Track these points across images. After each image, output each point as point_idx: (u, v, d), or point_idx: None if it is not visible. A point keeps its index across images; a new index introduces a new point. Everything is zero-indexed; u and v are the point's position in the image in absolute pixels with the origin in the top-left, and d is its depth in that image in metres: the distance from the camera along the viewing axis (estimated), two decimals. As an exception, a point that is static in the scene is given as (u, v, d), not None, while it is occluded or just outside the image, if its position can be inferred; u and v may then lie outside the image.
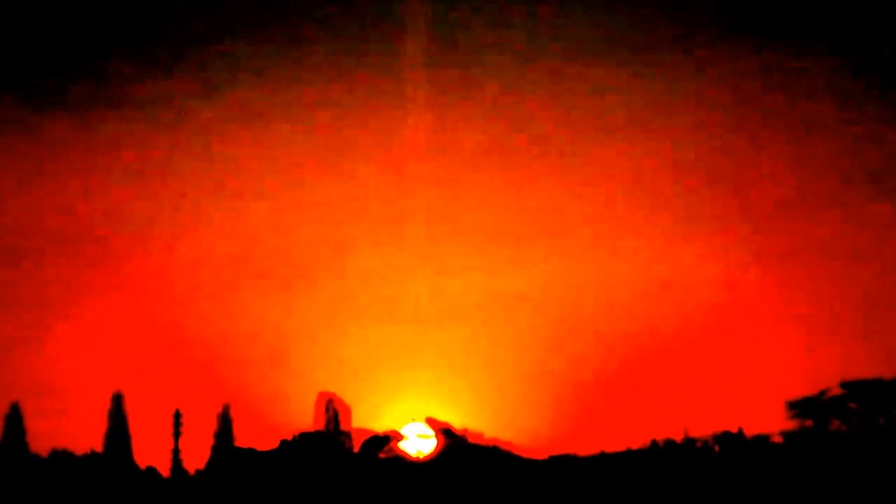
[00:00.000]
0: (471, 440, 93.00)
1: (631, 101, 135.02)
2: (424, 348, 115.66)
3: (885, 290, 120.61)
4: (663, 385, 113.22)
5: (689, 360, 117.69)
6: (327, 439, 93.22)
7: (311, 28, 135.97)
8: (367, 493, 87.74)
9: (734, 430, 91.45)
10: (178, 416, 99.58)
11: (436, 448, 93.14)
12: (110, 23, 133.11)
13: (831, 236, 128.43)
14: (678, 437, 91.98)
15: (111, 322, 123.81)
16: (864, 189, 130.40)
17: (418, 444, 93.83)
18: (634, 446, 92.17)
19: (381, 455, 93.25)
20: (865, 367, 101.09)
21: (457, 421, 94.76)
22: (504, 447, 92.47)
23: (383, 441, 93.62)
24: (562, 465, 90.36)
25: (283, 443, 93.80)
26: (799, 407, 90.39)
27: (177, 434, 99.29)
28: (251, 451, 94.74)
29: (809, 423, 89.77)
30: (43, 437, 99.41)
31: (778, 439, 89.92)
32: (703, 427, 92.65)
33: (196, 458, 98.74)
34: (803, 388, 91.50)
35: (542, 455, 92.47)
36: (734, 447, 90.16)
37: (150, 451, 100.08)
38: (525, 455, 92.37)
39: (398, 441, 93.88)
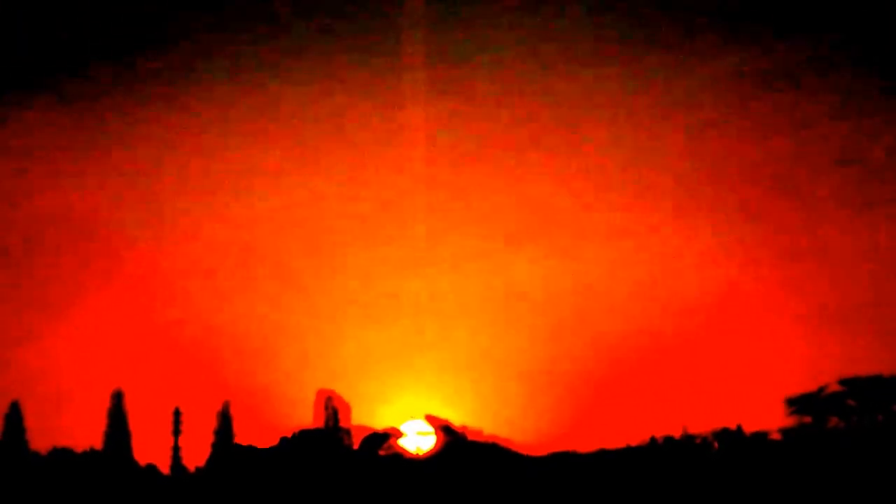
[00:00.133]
0: (470, 437, 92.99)
1: (630, 99, 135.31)
2: (423, 346, 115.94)
3: (885, 287, 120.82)
4: (662, 382, 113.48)
5: (688, 357, 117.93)
6: (327, 436, 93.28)
7: (311, 27, 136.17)
8: (367, 489, 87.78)
9: (733, 426, 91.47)
10: (177, 413, 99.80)
11: (435, 445, 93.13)
12: (109, 22, 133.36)
13: (830, 233, 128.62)
14: (677, 434, 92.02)
15: (111, 320, 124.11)
16: (863, 187, 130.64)
17: (418, 441, 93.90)
18: (634, 443, 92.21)
19: (381, 452, 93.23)
20: (864, 364, 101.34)
21: (456, 418, 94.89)
22: (503, 444, 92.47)
23: (383, 438, 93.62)
24: (561, 462, 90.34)
25: (283, 440, 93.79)
26: (798, 404, 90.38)
27: (177, 431, 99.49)
28: (251, 448, 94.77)
29: (808, 419, 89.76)
30: (43, 434, 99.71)
31: (777, 436, 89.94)
32: (703, 424, 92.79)
33: (196, 455, 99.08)
34: (802, 385, 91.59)
35: (541, 452, 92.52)
36: (733, 444, 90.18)
37: (150, 449, 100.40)
38: (524, 452, 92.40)
39: (397, 438, 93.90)
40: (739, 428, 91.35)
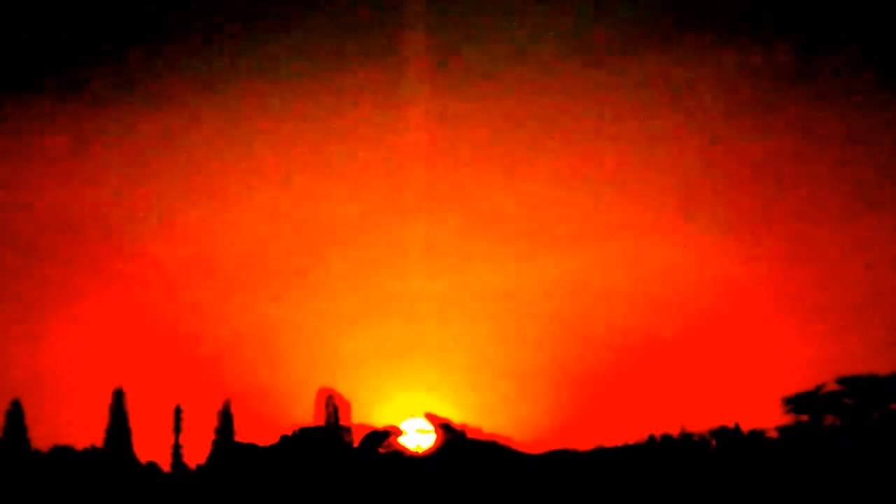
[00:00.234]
0: (470, 435, 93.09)
1: (630, 98, 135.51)
2: (423, 345, 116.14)
3: (882, 286, 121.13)
4: (661, 380, 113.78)
5: (686, 355, 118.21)
6: (327, 434, 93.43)
7: (312, 26, 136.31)
8: (367, 487, 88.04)
9: (731, 425, 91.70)
10: (178, 411, 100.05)
11: (435, 443, 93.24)
12: (109, 22, 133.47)
13: (828, 232, 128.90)
14: (675, 432, 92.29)
15: (112, 318, 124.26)
16: (863, 185, 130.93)
17: (418, 438, 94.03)
18: (632, 441, 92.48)
19: (381, 450, 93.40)
20: (861, 363, 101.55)
21: (456, 416, 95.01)
22: (503, 442, 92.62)
23: (383, 436, 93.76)
24: (560, 460, 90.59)
25: (284, 438, 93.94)
26: (795, 402, 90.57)
27: (177, 429, 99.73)
28: (252, 446, 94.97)
29: (805, 418, 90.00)
30: (44, 432, 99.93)
31: (774, 434, 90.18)
32: (700, 422, 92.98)
33: (197, 453, 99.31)
34: (799, 384, 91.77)
35: (540, 449, 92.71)
36: (731, 442, 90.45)
37: (151, 447, 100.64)
38: (524, 450, 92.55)
39: (398, 436, 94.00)
40: (737, 426, 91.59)
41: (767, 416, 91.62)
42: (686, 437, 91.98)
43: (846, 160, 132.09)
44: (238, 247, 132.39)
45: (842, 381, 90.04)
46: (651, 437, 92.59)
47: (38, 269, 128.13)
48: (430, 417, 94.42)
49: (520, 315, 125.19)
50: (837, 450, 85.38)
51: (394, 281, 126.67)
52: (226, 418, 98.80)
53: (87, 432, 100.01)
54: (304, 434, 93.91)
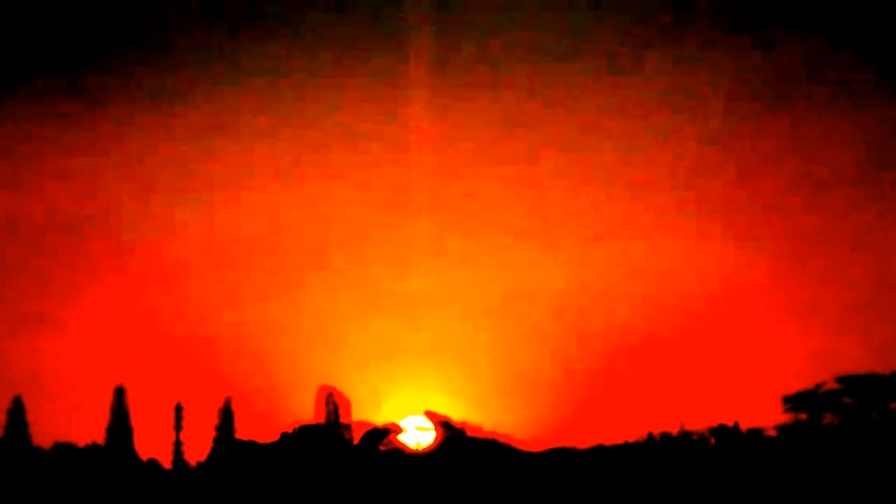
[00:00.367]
0: (469, 433, 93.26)
1: (630, 98, 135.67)
2: (423, 343, 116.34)
3: (882, 284, 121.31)
4: (660, 379, 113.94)
5: (685, 354, 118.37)
6: (328, 432, 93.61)
7: (313, 25, 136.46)
8: (367, 484, 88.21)
9: (730, 423, 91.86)
10: (179, 409, 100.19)
11: (435, 440, 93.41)
12: (109, 22, 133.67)
13: (828, 231, 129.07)
14: (674, 431, 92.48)
15: (113, 316, 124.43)
16: (862, 184, 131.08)
17: (417, 436, 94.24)
18: (631, 439, 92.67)
19: (381, 447, 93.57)
20: (860, 362, 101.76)
21: (456, 414, 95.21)
22: (503, 440, 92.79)
23: (383, 433, 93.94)
24: (560, 458, 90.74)
25: (284, 435, 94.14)
26: (794, 401, 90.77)
27: (178, 427, 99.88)
28: (252, 443, 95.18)
29: (804, 416, 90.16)
30: (45, 430, 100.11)
31: (773, 433, 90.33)
32: (700, 420, 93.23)
33: (198, 450, 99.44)
34: (799, 383, 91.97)
35: (540, 447, 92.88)
36: (730, 440, 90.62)
37: (152, 444, 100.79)
38: (523, 448, 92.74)
39: (397, 433, 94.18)
40: (736, 425, 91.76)
41: (766, 415, 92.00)
42: (685, 436, 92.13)
43: (846, 160, 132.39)
44: (238, 246, 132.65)
45: (841, 379, 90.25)
46: (650, 436, 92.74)
47: (39, 269, 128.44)
48: (430, 415, 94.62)
49: (520, 314, 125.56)
50: (836, 448, 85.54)
51: (394, 280, 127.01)
52: (226, 416, 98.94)
53: (89, 429, 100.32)
54: (305, 431, 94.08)
